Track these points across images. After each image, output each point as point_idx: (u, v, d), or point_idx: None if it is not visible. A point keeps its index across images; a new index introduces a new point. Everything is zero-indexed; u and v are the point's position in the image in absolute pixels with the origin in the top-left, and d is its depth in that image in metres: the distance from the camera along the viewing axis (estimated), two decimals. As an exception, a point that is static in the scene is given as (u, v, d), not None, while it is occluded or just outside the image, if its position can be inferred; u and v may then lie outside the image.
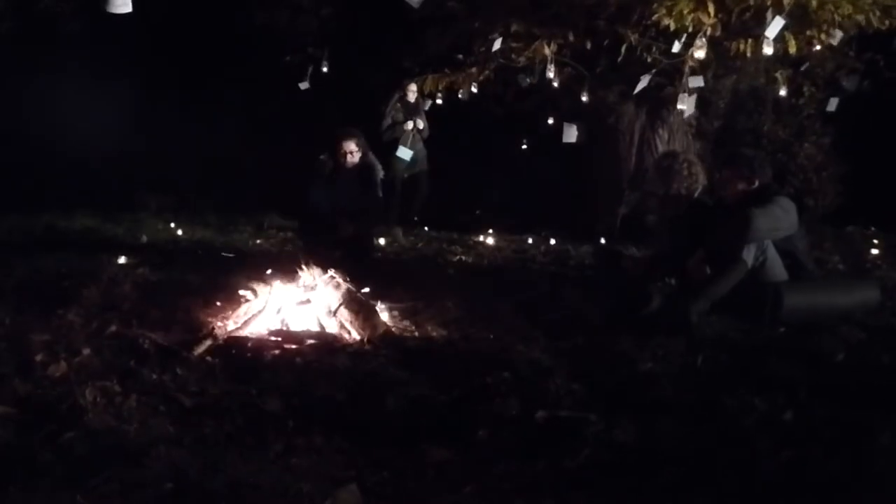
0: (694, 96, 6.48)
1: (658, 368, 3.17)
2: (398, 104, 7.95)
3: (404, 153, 7.42)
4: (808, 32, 6.47)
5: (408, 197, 8.05)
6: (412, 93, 7.96)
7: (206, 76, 10.47)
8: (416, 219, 8.18)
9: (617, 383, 2.97)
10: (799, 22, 6.21)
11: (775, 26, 5.63)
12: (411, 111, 7.93)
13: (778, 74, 7.64)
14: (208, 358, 3.21)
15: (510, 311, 4.19)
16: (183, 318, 3.84)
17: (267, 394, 2.80)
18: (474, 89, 8.08)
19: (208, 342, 3.34)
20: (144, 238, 6.93)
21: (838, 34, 6.30)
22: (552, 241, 7.32)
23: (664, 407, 2.69)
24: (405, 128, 7.86)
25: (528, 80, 7.63)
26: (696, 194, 4.44)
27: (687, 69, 6.47)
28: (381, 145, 7.70)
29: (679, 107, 6.56)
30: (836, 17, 6.19)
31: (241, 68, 10.31)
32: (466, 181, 9.56)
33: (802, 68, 7.05)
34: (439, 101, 8.30)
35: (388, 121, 7.93)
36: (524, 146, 9.77)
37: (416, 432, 2.50)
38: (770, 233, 3.97)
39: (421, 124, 7.96)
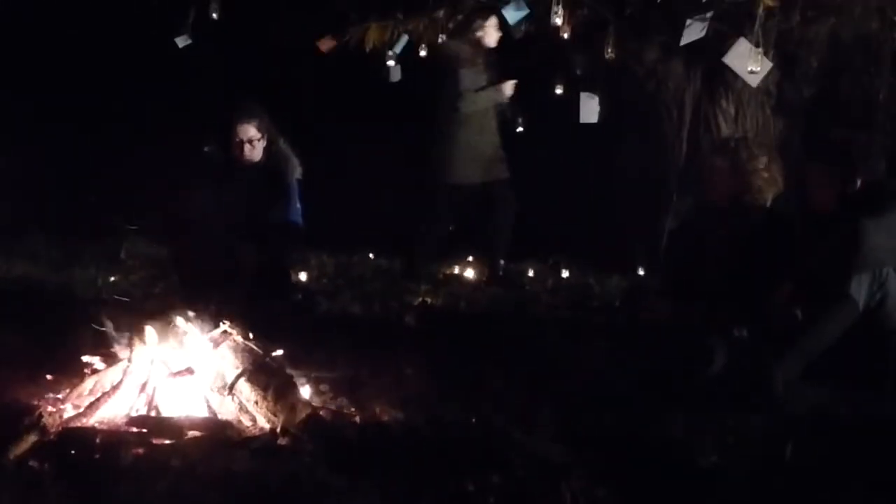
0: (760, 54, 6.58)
1: (725, 462, 3.21)
2: (462, 45, 7.32)
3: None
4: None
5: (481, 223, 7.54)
6: (493, 30, 7.33)
7: (25, 33, 10.44)
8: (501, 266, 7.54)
9: (663, 486, 3.00)
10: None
11: None
12: (485, 63, 7.34)
13: (900, 16, 7.79)
14: (32, 463, 3.16)
15: (501, 381, 4.21)
16: (-7, 400, 3.78)
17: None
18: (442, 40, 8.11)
19: (32, 439, 3.29)
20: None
21: None
22: (565, 273, 7.36)
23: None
24: (502, 92, 7.26)
25: (522, 27, 7.69)
26: (775, 201, 4.51)
27: (761, 11, 6.58)
28: (436, 130, 7.47)
29: (749, 69, 6.67)
30: None
31: (83, 21, 10.28)
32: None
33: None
34: (390, 63, 8.32)
35: (465, 81, 7.16)
36: (519, 129, 9.82)
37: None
38: (891, 255, 4.04)
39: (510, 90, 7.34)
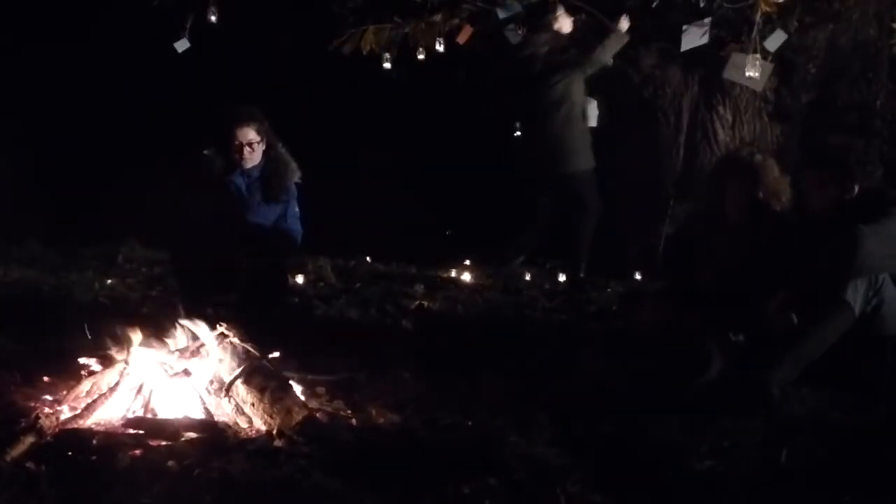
0: (768, 62, 6.62)
1: (722, 467, 3.22)
2: (551, 37, 7.34)
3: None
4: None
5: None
6: (565, 18, 7.43)
7: (23, 37, 10.46)
8: (520, 260, 7.68)
9: (660, 491, 3.01)
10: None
11: None
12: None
13: (896, 24, 7.83)
14: (29, 465, 3.16)
15: (498, 385, 4.22)
16: (-10, 402, 3.79)
17: (122, 518, 2.79)
18: (440, 47, 8.15)
19: (29, 440, 3.29)
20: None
21: None
22: (561, 277, 7.37)
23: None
24: (623, 29, 7.21)
25: (518, 32, 7.72)
26: (777, 207, 4.52)
27: (759, 17, 6.61)
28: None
29: (748, 74, 6.70)
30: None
31: (75, 22, 10.29)
32: (431, 185, 9.60)
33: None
34: (387, 66, 8.36)
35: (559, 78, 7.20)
36: (517, 133, 9.83)
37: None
38: (887, 261, 4.06)
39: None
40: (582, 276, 7.31)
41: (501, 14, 7.76)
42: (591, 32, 7.81)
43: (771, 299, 4.15)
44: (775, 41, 6.49)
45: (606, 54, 7.27)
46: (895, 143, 9.11)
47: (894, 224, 4.07)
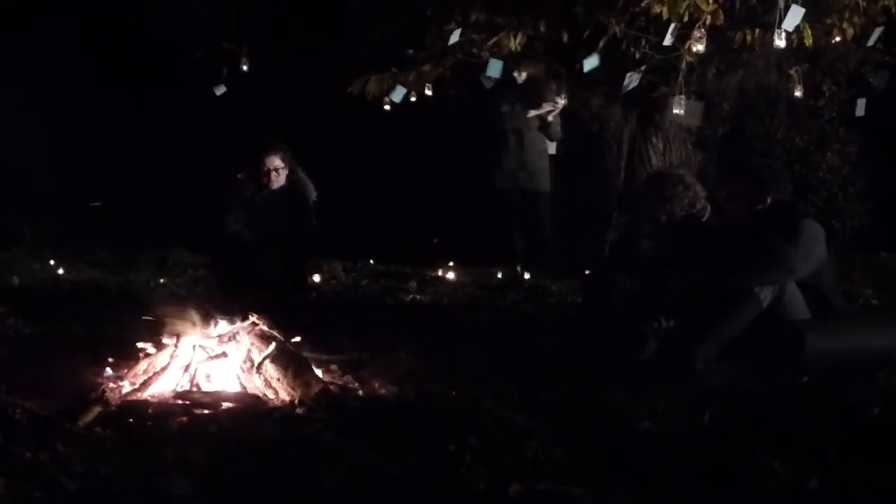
0: (691, 99, 6.63)
1: (657, 427, 3.22)
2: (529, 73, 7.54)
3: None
4: (827, 21, 6.68)
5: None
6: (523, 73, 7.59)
7: (90, 78, 10.39)
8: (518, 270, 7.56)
9: (608, 446, 3.01)
10: (816, 8, 6.41)
11: (794, 16, 5.72)
12: (527, 95, 7.60)
13: (792, 71, 7.86)
14: (97, 429, 3.17)
15: (477, 362, 4.21)
16: (65, 379, 3.78)
17: (173, 472, 2.77)
18: (428, 91, 8.15)
19: (97, 409, 3.29)
20: (16, 280, 6.81)
21: (876, 32, 6.49)
22: (527, 275, 7.37)
23: (666, 474, 2.72)
24: (546, 109, 7.39)
25: (491, 79, 7.73)
26: (700, 215, 4.52)
27: (683, 65, 6.63)
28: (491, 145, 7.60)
29: (674, 111, 6.73)
30: (861, 3, 6.41)
31: (135, 68, 10.25)
32: (421, 202, 9.59)
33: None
34: (387, 107, 8.35)
35: (506, 107, 7.55)
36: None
37: (362, 514, 2.48)
38: (806, 271, 4.06)
39: (557, 103, 7.50)
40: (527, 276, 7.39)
41: (485, 81, 7.84)
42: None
43: (689, 274, 4.16)
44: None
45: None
46: (792, 166, 9.16)
47: (806, 238, 4.07)
